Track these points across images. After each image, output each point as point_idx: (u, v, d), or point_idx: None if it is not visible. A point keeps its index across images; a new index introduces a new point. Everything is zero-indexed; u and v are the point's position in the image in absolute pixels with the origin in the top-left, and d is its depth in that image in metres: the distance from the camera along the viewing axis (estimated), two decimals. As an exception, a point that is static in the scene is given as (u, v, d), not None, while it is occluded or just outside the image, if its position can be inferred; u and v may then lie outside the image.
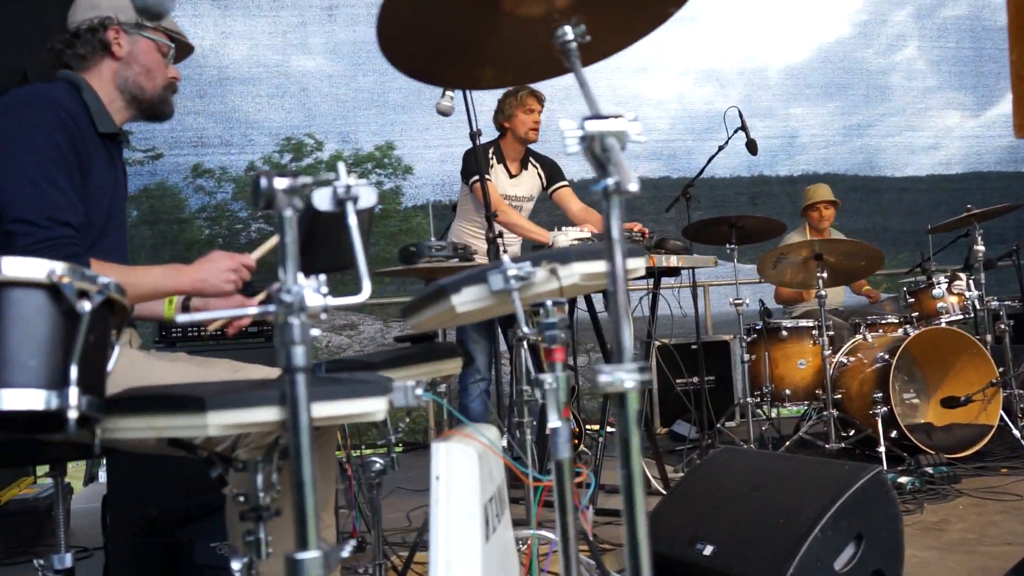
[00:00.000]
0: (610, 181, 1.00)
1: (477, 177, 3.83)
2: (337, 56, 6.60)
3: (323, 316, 1.04)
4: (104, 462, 5.07)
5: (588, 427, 4.57)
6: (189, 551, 2.35)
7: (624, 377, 0.99)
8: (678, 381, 4.85)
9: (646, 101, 6.84)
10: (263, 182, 1.00)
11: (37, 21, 4.90)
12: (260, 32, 6.44)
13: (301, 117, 6.54)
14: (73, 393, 1.12)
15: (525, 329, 1.40)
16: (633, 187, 0.96)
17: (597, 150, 1.01)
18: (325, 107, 6.58)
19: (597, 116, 1.02)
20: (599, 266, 1.42)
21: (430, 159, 6.66)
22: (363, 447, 4.54)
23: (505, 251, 3.12)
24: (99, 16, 1.99)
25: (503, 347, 4.08)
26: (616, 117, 1.02)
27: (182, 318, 1.13)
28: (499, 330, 3.93)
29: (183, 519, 2.44)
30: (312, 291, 1.02)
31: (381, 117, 6.61)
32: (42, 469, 4.38)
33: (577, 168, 6.58)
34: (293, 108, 6.52)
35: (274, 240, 2.04)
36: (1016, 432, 3.90)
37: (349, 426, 2.84)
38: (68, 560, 1.84)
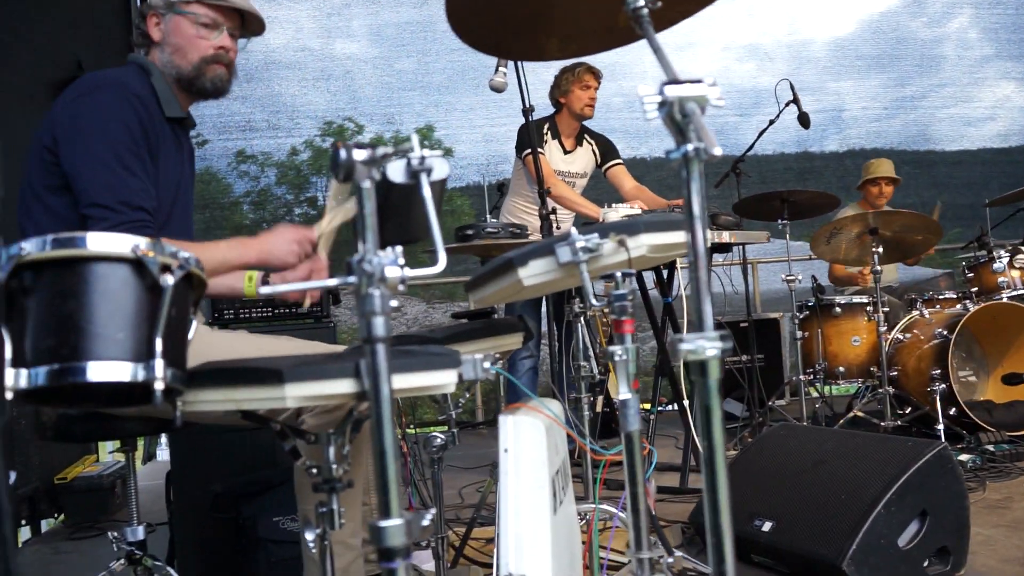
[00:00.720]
0: (690, 147, 0.99)
1: (529, 151, 3.84)
2: (380, 39, 6.62)
3: (400, 288, 1.04)
4: (162, 441, 5.20)
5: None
6: (253, 525, 2.39)
7: (706, 345, 0.98)
8: (728, 359, 4.79)
9: (692, 77, 6.74)
10: (342, 153, 1.01)
11: (91, 12, 4.99)
12: (303, 17, 6.49)
13: (345, 100, 6.58)
14: (159, 365, 1.14)
15: (594, 302, 1.39)
16: (717, 151, 0.95)
17: (677, 115, 0.99)
18: (369, 90, 6.61)
19: (676, 81, 1.00)
20: (667, 237, 1.41)
21: (474, 140, 6.66)
22: (415, 426, 4.59)
23: (559, 227, 3.11)
24: (145, 4, 2.01)
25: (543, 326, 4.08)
26: (696, 82, 1.00)
27: (265, 290, 1.14)
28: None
29: (246, 494, 2.49)
30: (390, 263, 1.03)
31: (424, 98, 6.63)
32: (104, 447, 4.50)
33: (621, 146, 6.55)
34: (338, 91, 6.56)
35: (330, 216, 2.05)
36: (1081, 409, 3.80)
37: (404, 404, 2.87)
38: (141, 532, 1.90)
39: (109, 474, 3.82)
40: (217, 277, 2.05)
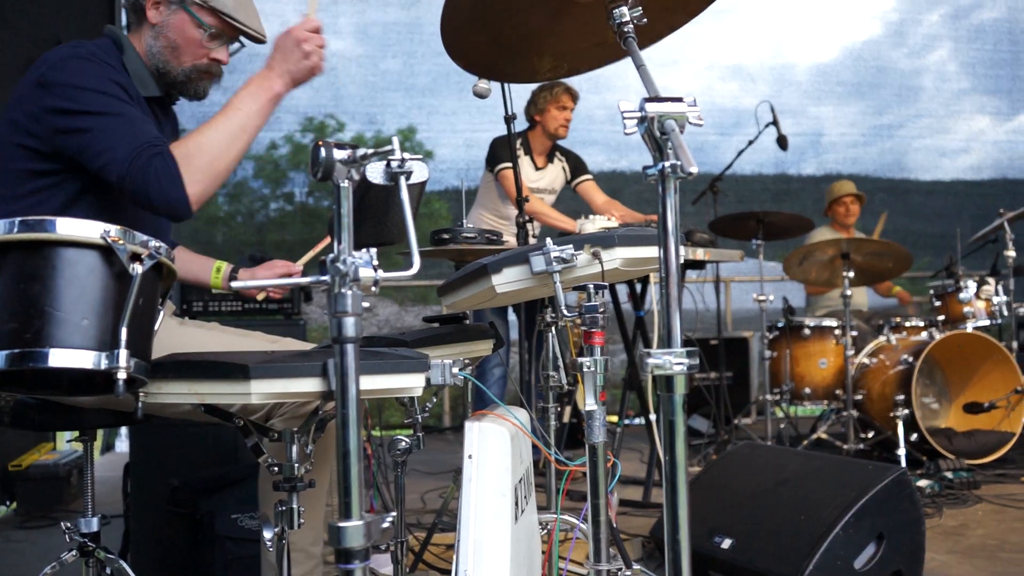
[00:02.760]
0: (667, 164, 1.00)
1: (506, 164, 3.84)
2: (366, 37, 6.60)
3: (373, 289, 1.04)
4: (122, 432, 5.13)
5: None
6: (211, 521, 2.36)
7: (673, 361, 0.99)
8: (696, 376, 4.83)
9: (673, 95, 6.80)
10: (322, 152, 1.00)
11: (71, -10, 4.92)
12: (289, 11, 6.44)
13: (328, 97, 6.54)
14: (123, 355, 1.12)
15: (565, 312, 1.40)
16: (693, 169, 0.96)
17: (656, 132, 1.00)
18: (352, 88, 6.57)
19: (657, 98, 1.01)
20: (641, 251, 1.42)
21: (454, 144, 6.66)
22: (381, 428, 4.57)
23: (535, 236, 3.11)
24: None
25: (512, 335, 4.08)
26: (676, 100, 1.01)
27: (237, 284, 1.13)
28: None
29: (205, 490, 2.46)
30: (364, 263, 1.02)
31: (407, 100, 6.61)
32: (62, 436, 4.43)
33: (601, 159, 6.58)
34: (321, 87, 6.52)
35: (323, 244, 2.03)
36: (1038, 440, 3.87)
37: (371, 406, 2.85)
38: (95, 524, 1.86)
39: (65, 463, 3.75)
40: (184, 265, 2.00)
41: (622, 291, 3.82)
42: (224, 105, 1.72)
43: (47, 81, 1.69)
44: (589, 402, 1.33)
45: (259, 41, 1.99)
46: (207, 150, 1.64)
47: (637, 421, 5.45)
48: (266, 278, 2.03)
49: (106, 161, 1.61)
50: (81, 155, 1.66)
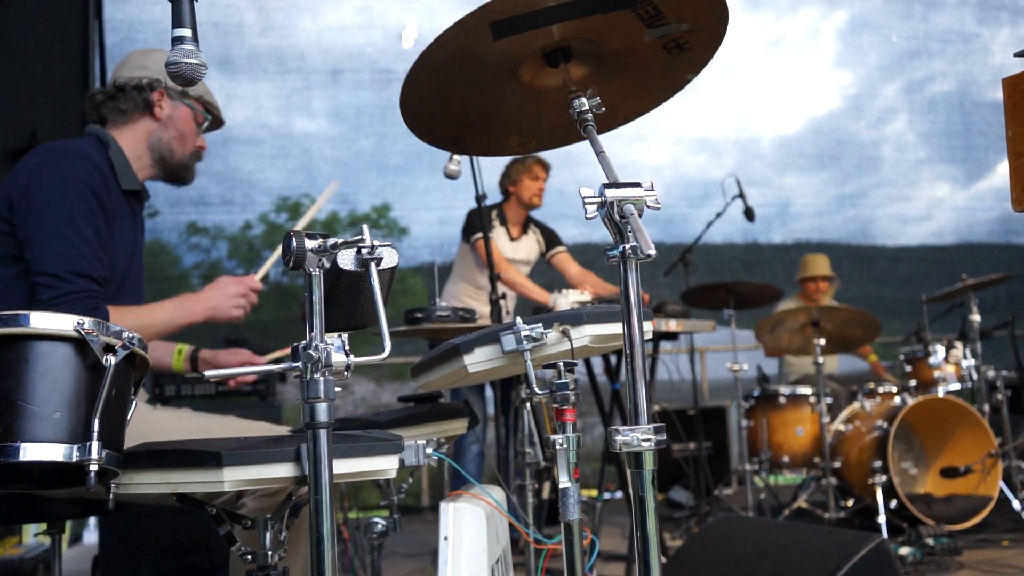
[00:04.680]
0: (627, 246, 1.03)
1: (480, 235, 3.89)
2: (339, 119, 6.73)
3: (346, 374, 1.06)
4: (90, 523, 4.99)
5: (583, 492, 4.53)
6: (182, 613, 2.31)
7: (640, 437, 1.00)
8: (675, 447, 4.83)
9: (643, 168, 6.96)
10: (293, 242, 1.03)
11: (48, 81, 5.01)
12: (264, 95, 6.58)
13: (302, 178, 6.63)
14: (95, 447, 1.12)
15: (536, 390, 1.41)
16: (651, 252, 1.00)
17: (615, 216, 1.04)
18: (326, 168, 6.67)
19: (616, 184, 1.06)
20: (610, 328, 1.44)
21: (428, 221, 6.74)
22: (358, 509, 4.49)
23: (508, 312, 3.14)
24: (148, 77, 2.07)
25: (489, 410, 4.07)
26: (634, 185, 1.05)
27: (212, 373, 1.14)
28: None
29: (177, 580, 2.40)
30: (336, 349, 1.04)
31: (381, 179, 6.71)
32: (28, 528, 4.30)
33: (574, 232, 6.68)
34: (295, 169, 6.61)
35: (274, 257, 2.11)
36: (1016, 504, 3.88)
37: (347, 487, 2.82)
38: (63, 620, 1.81)
39: (31, 557, 3.63)
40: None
41: (597, 364, 3.84)
42: (149, 306, 1.97)
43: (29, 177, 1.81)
44: (563, 480, 1.34)
45: (221, 122, 2.25)
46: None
47: (618, 495, 5.39)
48: (226, 365, 2.11)
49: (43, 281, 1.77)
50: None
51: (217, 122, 2.24)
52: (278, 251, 2.19)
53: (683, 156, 7.29)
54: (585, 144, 1.59)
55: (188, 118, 2.13)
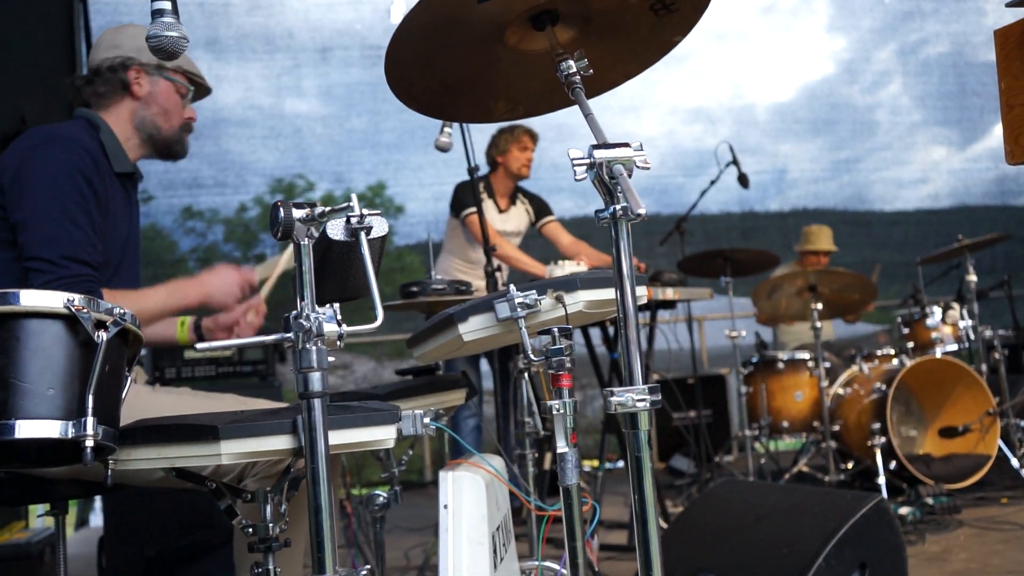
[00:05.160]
0: (618, 207, 1.03)
1: (471, 210, 3.87)
2: (330, 98, 6.69)
3: (339, 344, 1.05)
4: (96, 506, 5.02)
5: (585, 463, 4.55)
6: (188, 591, 2.33)
7: (635, 397, 1.01)
8: (675, 415, 4.85)
9: (637, 139, 6.93)
10: (281, 212, 1.02)
11: (35, 66, 4.96)
12: (253, 75, 6.53)
13: (295, 158, 6.60)
14: (90, 423, 1.12)
15: (531, 357, 1.41)
16: (641, 211, 0.99)
17: (605, 177, 1.04)
18: (319, 148, 6.64)
19: (604, 145, 1.05)
20: (604, 294, 1.44)
21: (423, 198, 6.72)
22: (360, 486, 4.52)
23: (504, 286, 3.13)
24: (121, 56, 2.04)
25: (486, 385, 4.08)
26: (623, 145, 1.05)
27: (202, 345, 1.13)
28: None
29: (181, 559, 2.42)
30: (327, 319, 1.04)
31: (374, 156, 6.68)
32: (34, 513, 4.33)
33: (569, 205, 6.67)
34: (287, 149, 6.58)
35: (273, 262, 2.10)
36: (1015, 462, 3.90)
37: (350, 464, 2.83)
38: (68, 600, 1.83)
39: (38, 541, 3.65)
40: (147, 328, 2.05)
41: (596, 335, 3.85)
42: (143, 290, 1.97)
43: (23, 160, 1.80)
44: (560, 444, 1.34)
45: (208, 89, 2.22)
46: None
47: (619, 465, 5.43)
48: (227, 327, 2.12)
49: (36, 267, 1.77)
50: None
51: (203, 90, 2.22)
52: (281, 262, 2.19)
53: (677, 126, 7.25)
54: (579, 117, 1.58)
55: (169, 92, 2.10)
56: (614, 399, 1.00)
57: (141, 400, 1.69)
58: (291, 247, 2.02)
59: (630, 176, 1.03)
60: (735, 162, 4.43)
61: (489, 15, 1.28)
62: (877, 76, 7.55)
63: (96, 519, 5.06)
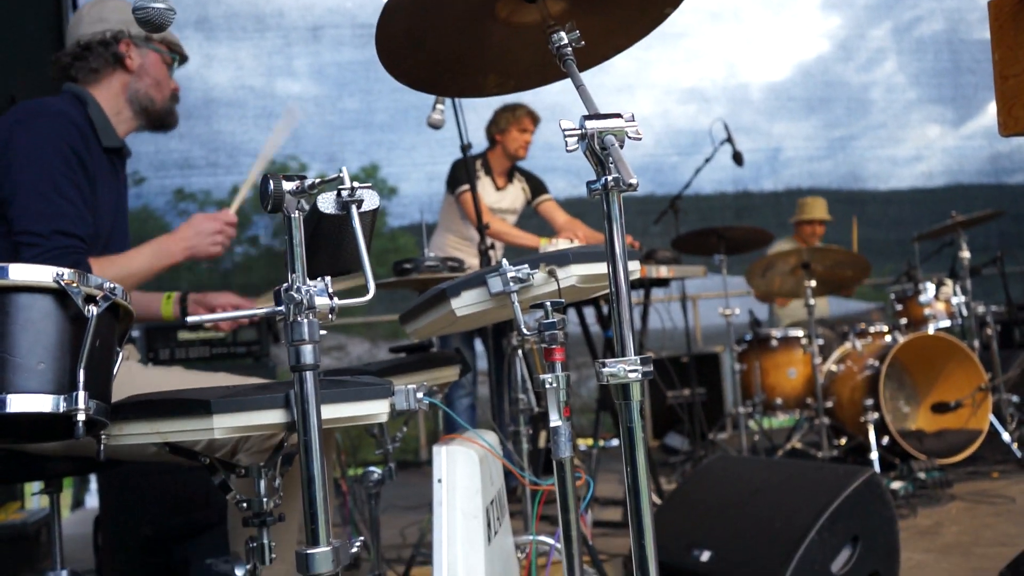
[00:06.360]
0: (609, 177, 1.02)
1: (465, 187, 3.86)
2: (322, 78, 6.64)
3: (330, 317, 1.05)
4: (92, 487, 5.03)
5: (580, 441, 4.57)
6: (184, 570, 2.33)
7: (627, 368, 1.01)
8: (669, 394, 4.86)
9: (612, 111, 6.90)
10: (271, 184, 1.02)
11: (23, 46, 4.91)
12: (244, 55, 6.47)
13: (287, 138, 6.55)
14: (82, 397, 1.12)
15: (524, 331, 1.41)
16: (633, 181, 0.99)
17: (596, 148, 1.03)
18: (311, 128, 6.60)
19: (596, 115, 1.04)
20: (597, 268, 1.44)
21: (416, 178, 6.69)
22: (356, 466, 4.53)
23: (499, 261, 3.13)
24: (111, 30, 2.03)
25: (480, 365, 4.08)
26: (615, 116, 1.04)
27: (194, 319, 1.13)
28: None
29: (178, 536, 2.43)
30: (319, 292, 1.04)
31: (367, 137, 6.65)
32: (29, 493, 4.34)
33: (563, 184, 6.65)
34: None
35: (245, 189, 2.11)
36: (1006, 436, 3.93)
37: (345, 443, 2.84)
38: (65, 576, 1.83)
39: (34, 521, 3.66)
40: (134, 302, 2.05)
41: (590, 315, 3.85)
42: (128, 252, 1.97)
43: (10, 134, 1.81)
44: (553, 418, 1.34)
45: (184, 58, 2.23)
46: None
47: (614, 443, 5.45)
48: (215, 305, 2.12)
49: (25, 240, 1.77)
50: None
51: (182, 58, 2.22)
52: (249, 181, 2.21)
53: (672, 106, 7.23)
54: (573, 96, 1.57)
55: (158, 63, 2.10)
56: (606, 370, 1.01)
57: (133, 376, 1.69)
58: (260, 163, 2.09)
59: (622, 147, 1.02)
60: (730, 140, 4.41)
61: (480, -14, 1.27)
62: (872, 54, 7.52)
63: (92, 500, 5.07)
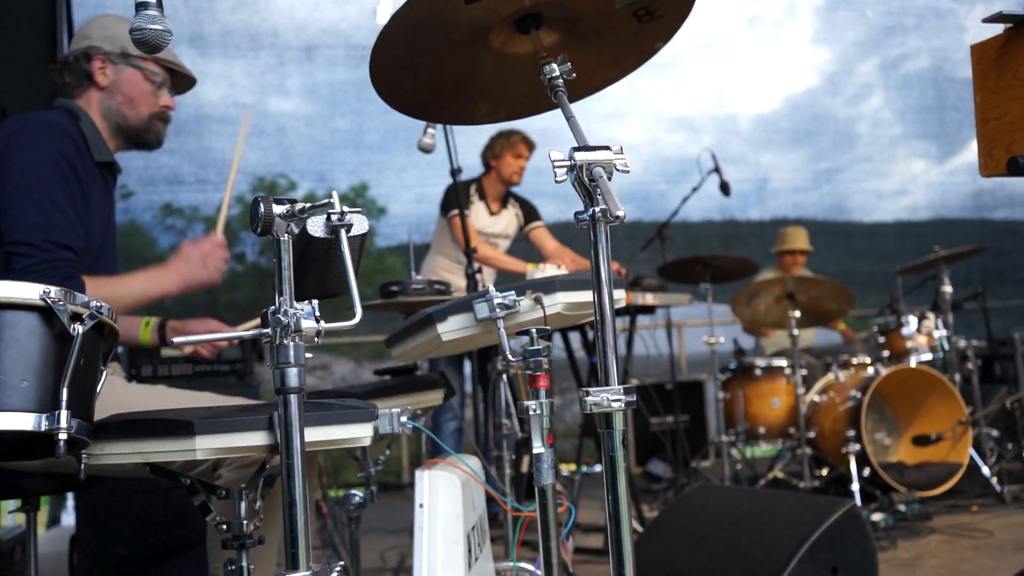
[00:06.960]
0: (597, 209, 1.04)
1: (455, 212, 3.88)
2: (314, 97, 6.67)
3: (316, 340, 1.05)
4: (68, 505, 4.96)
5: (563, 467, 4.56)
6: (161, 589, 2.31)
7: (611, 397, 1.01)
8: (653, 420, 4.87)
9: (619, 145, 6.97)
10: (261, 207, 1.02)
11: (17, 59, 4.91)
12: (237, 72, 6.49)
13: (277, 156, 6.57)
14: (64, 416, 1.12)
15: (510, 357, 1.42)
16: (620, 213, 1.00)
17: (585, 179, 1.05)
18: (301, 147, 6.61)
19: (585, 147, 1.06)
20: (582, 296, 1.45)
21: (406, 199, 6.71)
22: (337, 487, 4.49)
23: (484, 286, 3.14)
24: (89, 46, 2.03)
25: (468, 388, 4.08)
26: (603, 148, 1.06)
27: (180, 340, 1.13)
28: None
29: (154, 556, 2.40)
30: (305, 315, 1.04)
31: (357, 157, 6.66)
32: (4, 511, 4.27)
33: (551, 209, 6.68)
34: (270, 147, 6.55)
35: (225, 209, 2.11)
36: (986, 470, 3.96)
37: (327, 465, 2.82)
38: (39, 596, 1.81)
39: (8, 539, 3.61)
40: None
41: (575, 340, 3.86)
42: (122, 276, 1.97)
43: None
44: (536, 445, 1.35)
45: (192, 80, 2.19)
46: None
47: (597, 469, 5.44)
48: (195, 332, 2.11)
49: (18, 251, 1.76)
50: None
51: (187, 81, 2.18)
52: (226, 196, 2.20)
53: (661, 134, 7.30)
54: (563, 122, 1.59)
55: (135, 80, 2.05)
56: (589, 399, 1.01)
57: (116, 395, 1.68)
58: (233, 174, 2.07)
59: (610, 179, 1.04)
60: (717, 170, 4.46)
61: (474, 18, 1.29)
62: (859, 89, 7.64)
63: (68, 518, 5.00)
